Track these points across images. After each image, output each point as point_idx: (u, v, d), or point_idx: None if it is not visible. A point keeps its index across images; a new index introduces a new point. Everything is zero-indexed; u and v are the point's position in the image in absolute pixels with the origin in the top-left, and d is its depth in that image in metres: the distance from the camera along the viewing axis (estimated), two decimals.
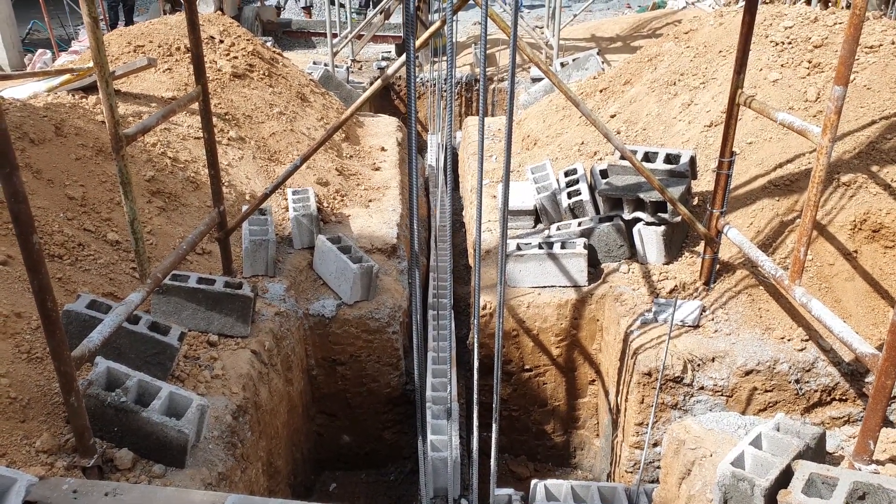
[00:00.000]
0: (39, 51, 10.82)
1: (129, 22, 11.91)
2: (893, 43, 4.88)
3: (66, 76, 5.33)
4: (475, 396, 3.78)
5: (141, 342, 3.27)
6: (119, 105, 5.43)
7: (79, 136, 4.63)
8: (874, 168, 4.26)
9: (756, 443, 2.82)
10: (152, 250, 4.30)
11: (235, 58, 6.92)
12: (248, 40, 7.40)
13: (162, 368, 3.32)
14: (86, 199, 4.23)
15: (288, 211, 5.24)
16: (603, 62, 8.63)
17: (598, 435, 5.12)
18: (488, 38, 11.12)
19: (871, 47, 4.89)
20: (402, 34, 11.78)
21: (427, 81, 10.55)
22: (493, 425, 3.82)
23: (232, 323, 3.92)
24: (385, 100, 10.95)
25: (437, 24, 3.71)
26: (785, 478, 2.59)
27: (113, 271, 3.95)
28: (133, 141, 3.04)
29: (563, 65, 8.96)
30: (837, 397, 3.81)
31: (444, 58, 9.41)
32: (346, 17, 11.32)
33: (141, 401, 2.94)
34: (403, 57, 3.12)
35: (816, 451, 2.82)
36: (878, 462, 2.78)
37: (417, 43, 3.41)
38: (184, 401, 3.01)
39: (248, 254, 4.56)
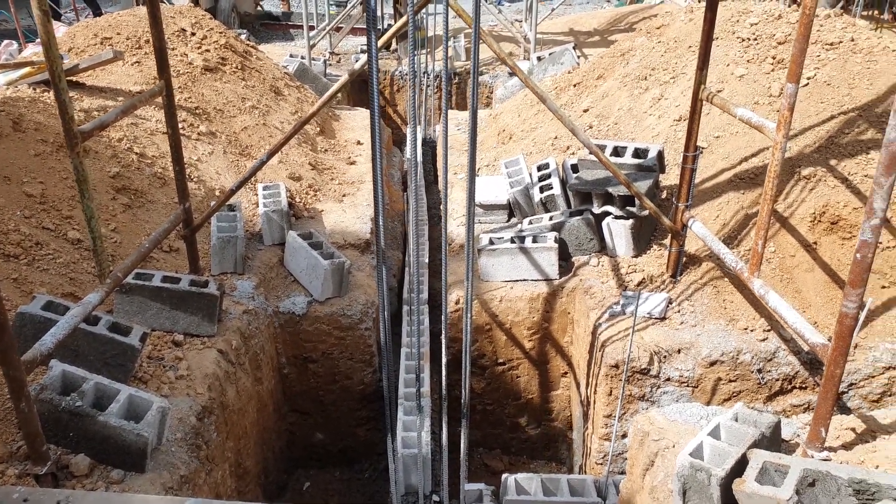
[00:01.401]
0: (5, 42, 10.63)
1: (97, 12, 11.70)
2: (853, 40, 4.93)
3: (27, 69, 5.25)
4: (443, 392, 3.79)
5: (100, 344, 3.23)
6: (84, 99, 5.37)
7: (38, 131, 4.56)
8: (832, 162, 4.31)
9: (714, 433, 2.85)
10: (117, 248, 4.25)
11: (207, 51, 6.85)
12: (220, 33, 7.33)
13: (123, 370, 3.29)
14: (45, 197, 4.17)
15: (258, 207, 5.21)
16: (579, 56, 8.64)
17: (570, 427, 5.15)
18: (468, 31, 11.07)
19: (830, 44, 4.94)
20: (382, 27, 11.73)
21: (406, 74, 10.52)
22: (463, 421, 3.83)
23: (198, 322, 3.89)
24: (364, 93, 10.90)
25: (399, 23, 3.69)
26: (740, 467, 2.62)
27: (74, 271, 3.90)
28: (89, 137, 3.01)
29: (539, 59, 8.96)
30: (798, 385, 3.86)
31: (424, 51, 9.43)
32: (325, 10, 11.24)
33: (99, 404, 2.90)
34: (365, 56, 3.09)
35: (772, 440, 2.85)
36: (830, 449, 2.82)
37: (380, 42, 3.39)
38: (144, 403, 2.98)
39: (216, 251, 4.53)
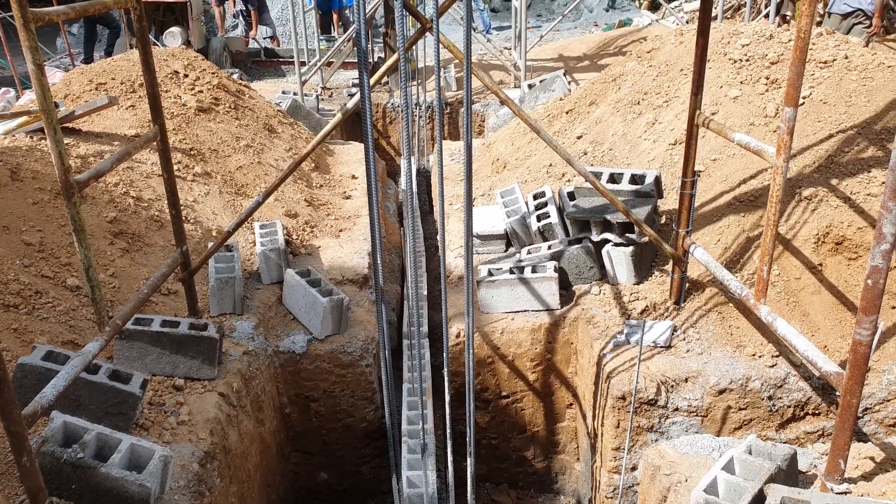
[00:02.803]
0: (3, 89, 10.70)
1: (111, 51, 11.78)
2: (846, 58, 4.97)
3: (24, 118, 5.25)
4: (448, 430, 3.74)
5: (101, 392, 3.19)
6: (80, 145, 5.37)
7: (36, 179, 4.55)
8: (833, 181, 4.31)
9: (728, 467, 2.80)
10: (115, 293, 4.21)
11: (200, 92, 6.87)
12: (213, 73, 7.36)
13: (124, 418, 3.23)
14: (44, 245, 4.14)
15: (255, 245, 5.18)
16: (570, 82, 8.70)
17: (578, 459, 5.08)
18: (457, 62, 11.15)
19: (825, 62, 4.97)
20: (372, 60, 11.84)
21: (398, 106, 10.58)
22: (469, 458, 3.77)
23: (198, 366, 3.84)
24: (357, 126, 10.92)
25: (391, 60, 3.70)
26: (758, 503, 2.57)
27: (73, 318, 3.86)
28: (86, 187, 2.99)
29: (530, 86, 9.02)
30: (811, 412, 3.81)
31: (415, 82, 9.50)
32: (316, 45, 11.33)
33: (100, 455, 2.86)
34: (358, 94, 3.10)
35: (788, 473, 2.80)
36: (849, 480, 2.76)
37: (372, 80, 3.40)
38: (146, 452, 2.93)
39: (215, 292, 4.49)
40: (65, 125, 5.40)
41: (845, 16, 8.60)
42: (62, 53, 13.19)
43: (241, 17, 13.33)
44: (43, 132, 5.18)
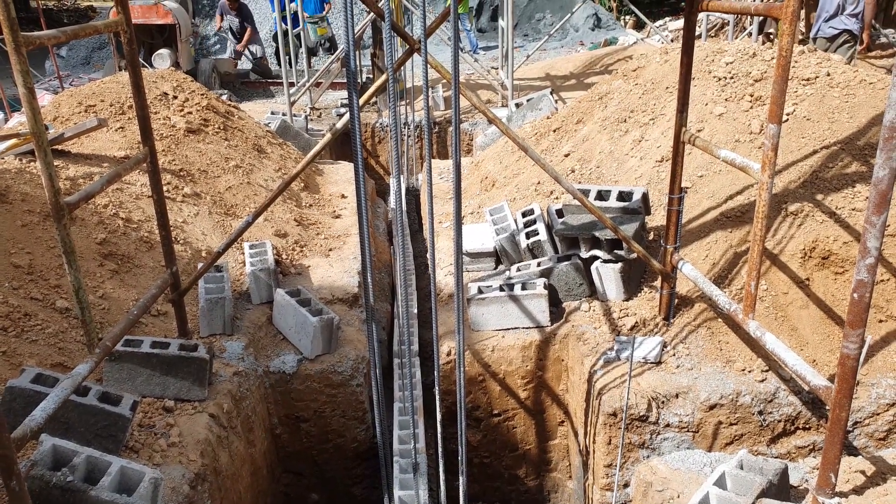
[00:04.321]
0: None
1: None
2: (829, 75, 5.05)
3: (13, 140, 5.24)
4: (439, 449, 3.73)
5: (90, 415, 3.16)
6: (69, 167, 5.36)
7: (25, 201, 4.53)
8: (819, 196, 4.37)
9: (720, 482, 2.81)
10: (105, 315, 4.19)
11: (189, 113, 6.88)
12: (202, 95, 7.38)
13: (114, 441, 3.21)
14: (33, 267, 4.12)
15: (245, 266, 5.17)
16: (557, 100, 8.79)
17: (570, 477, 5.06)
18: (446, 81, 11.24)
19: (807, 79, 5.06)
20: (360, 81, 11.90)
21: (387, 126, 10.63)
22: (461, 478, 3.76)
23: (188, 387, 3.82)
24: (346, 146, 10.96)
25: (380, 80, 3.74)
26: None
27: (63, 340, 3.83)
28: (76, 209, 2.99)
29: (517, 105, 9.11)
30: (801, 426, 3.83)
31: (403, 102, 9.56)
32: (304, 66, 11.40)
33: (90, 478, 2.83)
34: (347, 114, 3.13)
35: (780, 488, 2.81)
36: (840, 494, 2.78)
37: (361, 101, 3.43)
38: (136, 475, 2.91)
39: (205, 313, 4.48)
40: (54, 147, 5.40)
41: (831, 39, 8.70)
42: (51, 76, 13.19)
43: (229, 34, 13.38)
44: (32, 154, 5.18)
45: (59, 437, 2.96)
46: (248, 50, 13.21)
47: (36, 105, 2.65)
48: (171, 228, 4.35)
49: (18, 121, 8.21)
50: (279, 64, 10.99)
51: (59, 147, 5.56)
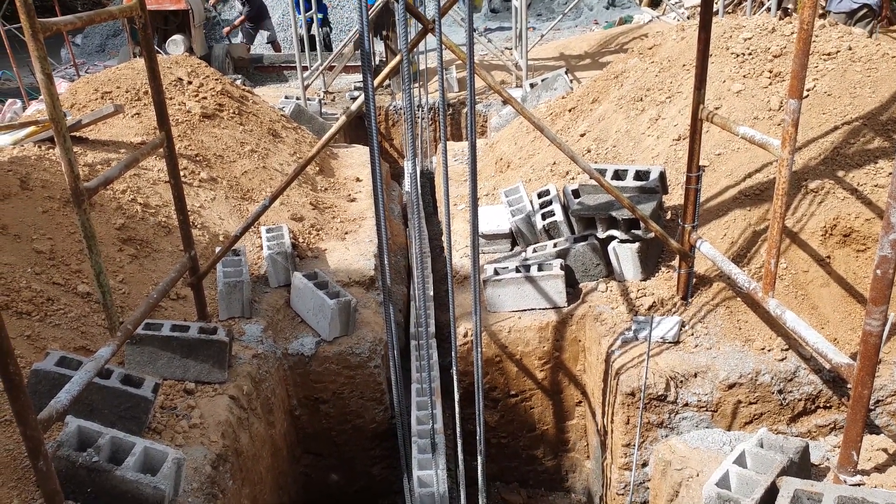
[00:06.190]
0: (9, 101, 10.76)
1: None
2: (850, 49, 4.96)
3: (32, 128, 5.28)
4: (458, 430, 3.75)
5: (114, 397, 3.21)
6: (87, 153, 5.40)
7: (45, 188, 4.58)
8: (840, 173, 4.30)
9: (740, 461, 2.80)
10: (125, 299, 4.24)
11: (204, 98, 6.90)
12: (216, 80, 7.39)
13: (137, 422, 3.26)
14: (54, 252, 4.17)
15: (262, 249, 5.20)
16: (572, 80, 8.70)
17: (588, 457, 5.08)
18: (459, 61, 11.18)
19: (828, 54, 4.96)
20: (373, 62, 11.84)
21: (400, 109, 10.60)
22: (479, 457, 3.78)
23: (208, 369, 3.86)
24: (360, 129, 10.96)
25: (394, 62, 3.71)
26: (770, 496, 2.57)
27: (85, 324, 3.89)
28: (95, 194, 3.01)
29: (532, 85, 9.03)
30: (822, 405, 3.80)
31: (417, 84, 9.52)
32: (318, 50, 11.37)
33: (115, 458, 2.88)
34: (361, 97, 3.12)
35: (801, 466, 2.80)
36: (863, 472, 2.76)
37: (376, 82, 3.42)
38: (159, 455, 2.96)
39: (223, 296, 4.51)
40: (72, 134, 5.44)
41: (850, 14, 8.54)
42: (67, 64, 13.26)
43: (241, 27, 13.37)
44: (51, 141, 5.22)
45: (84, 418, 3.00)
46: (260, 32, 13.19)
47: (54, 91, 2.66)
48: (189, 213, 4.38)
49: (37, 108, 8.27)
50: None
51: (77, 134, 5.60)
